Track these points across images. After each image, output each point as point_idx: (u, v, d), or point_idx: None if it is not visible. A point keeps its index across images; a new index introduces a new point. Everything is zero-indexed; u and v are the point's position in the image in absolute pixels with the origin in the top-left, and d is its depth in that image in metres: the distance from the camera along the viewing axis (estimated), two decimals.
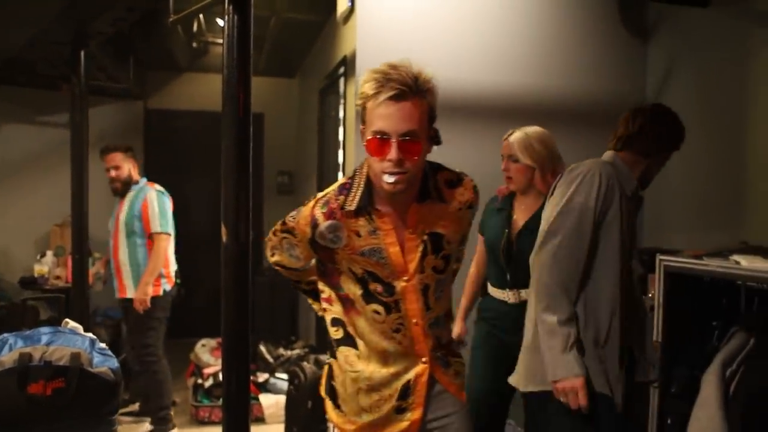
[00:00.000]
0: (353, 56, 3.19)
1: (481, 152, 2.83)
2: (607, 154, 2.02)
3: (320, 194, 1.56)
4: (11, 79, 4.53)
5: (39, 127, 4.90)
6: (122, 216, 3.64)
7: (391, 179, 1.41)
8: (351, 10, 3.25)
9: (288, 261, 1.68)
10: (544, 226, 1.89)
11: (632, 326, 2.18)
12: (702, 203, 3.19)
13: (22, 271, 4.74)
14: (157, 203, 3.63)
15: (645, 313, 2.24)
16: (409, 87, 1.38)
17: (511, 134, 2.31)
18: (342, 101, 3.80)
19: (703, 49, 3.21)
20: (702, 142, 3.06)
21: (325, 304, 1.66)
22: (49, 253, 4.55)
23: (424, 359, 1.57)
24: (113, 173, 3.65)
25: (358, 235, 1.50)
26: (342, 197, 1.51)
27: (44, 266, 4.51)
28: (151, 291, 3.54)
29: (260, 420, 3.81)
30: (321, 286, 1.66)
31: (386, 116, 1.39)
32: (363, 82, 1.43)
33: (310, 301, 1.83)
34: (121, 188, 3.67)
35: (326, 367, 1.69)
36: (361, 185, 1.50)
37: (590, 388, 1.82)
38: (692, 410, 1.89)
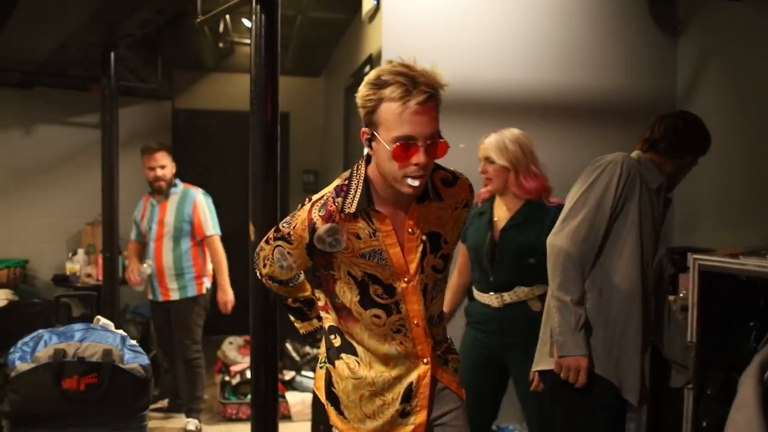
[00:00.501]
0: (379, 55, 3.19)
1: None
2: (634, 153, 2.06)
3: (315, 196, 1.51)
4: (44, 81, 4.63)
5: (70, 128, 4.99)
6: (169, 219, 3.59)
7: (416, 183, 1.38)
8: (376, 9, 3.25)
9: (278, 273, 1.61)
10: (565, 208, 1.97)
11: (657, 324, 2.15)
12: (733, 202, 3.11)
13: (54, 268, 4.85)
14: (207, 206, 3.63)
15: (670, 310, 2.21)
16: (434, 89, 1.36)
17: (487, 137, 2.34)
18: None
19: (736, 43, 3.13)
20: (734, 140, 2.99)
21: (322, 313, 1.65)
22: (81, 252, 4.64)
23: (426, 360, 1.55)
24: (159, 172, 3.57)
25: (358, 237, 1.47)
26: (340, 199, 1.46)
27: (76, 264, 4.60)
28: (230, 290, 3.61)
29: (287, 418, 3.83)
30: (317, 293, 1.64)
31: (415, 121, 1.34)
32: (381, 85, 1.35)
33: (292, 319, 1.81)
34: (166, 188, 3.62)
35: (322, 372, 1.65)
36: (360, 186, 1.47)
37: (591, 370, 1.87)
38: (729, 413, 1.84)
